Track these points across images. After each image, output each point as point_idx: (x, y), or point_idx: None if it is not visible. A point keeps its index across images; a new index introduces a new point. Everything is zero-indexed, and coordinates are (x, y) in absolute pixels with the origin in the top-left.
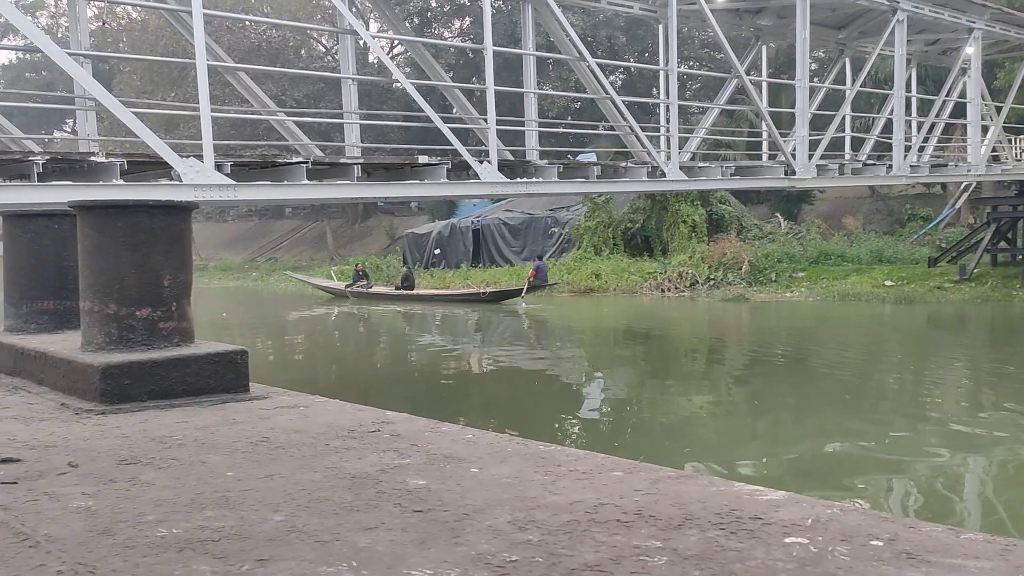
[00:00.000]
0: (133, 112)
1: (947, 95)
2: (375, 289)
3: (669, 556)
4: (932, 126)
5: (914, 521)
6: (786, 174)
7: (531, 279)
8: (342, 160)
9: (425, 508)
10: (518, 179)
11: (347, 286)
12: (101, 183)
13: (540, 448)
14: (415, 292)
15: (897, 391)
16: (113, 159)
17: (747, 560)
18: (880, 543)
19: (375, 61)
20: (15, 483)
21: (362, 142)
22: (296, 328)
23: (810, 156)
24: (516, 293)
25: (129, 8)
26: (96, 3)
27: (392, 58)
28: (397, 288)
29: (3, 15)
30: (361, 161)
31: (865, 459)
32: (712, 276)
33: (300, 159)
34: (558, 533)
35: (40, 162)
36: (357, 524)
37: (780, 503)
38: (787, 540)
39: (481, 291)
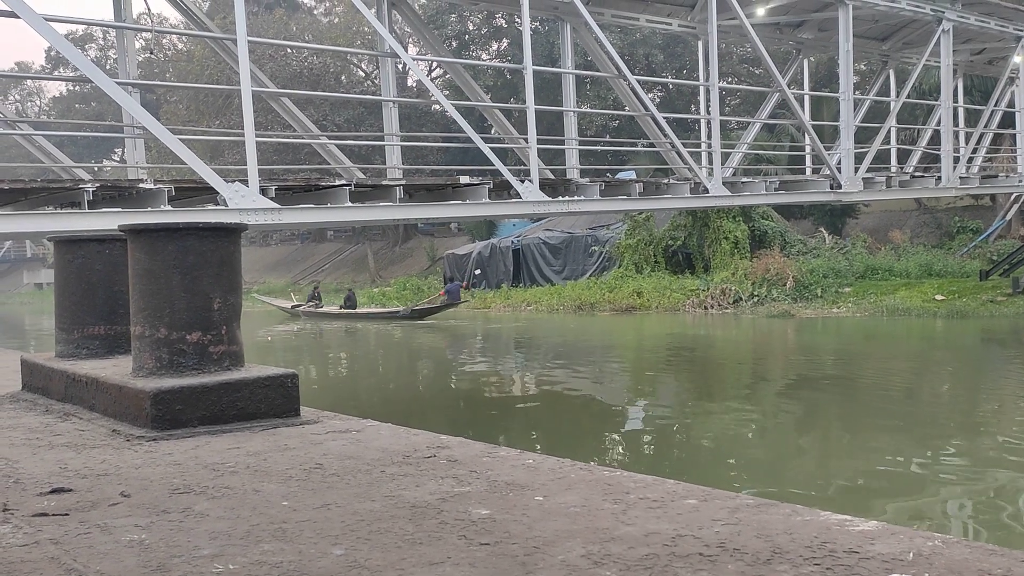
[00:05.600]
0: (180, 139)
1: (995, 105)
2: (323, 309)
3: None
4: (980, 137)
5: None
6: (832, 188)
7: (442, 298)
8: (384, 182)
9: (492, 540)
10: (560, 197)
11: (293, 306)
12: (149, 209)
13: (605, 474)
14: (355, 311)
15: (952, 409)
16: (161, 185)
17: None
18: None
19: (413, 85)
20: (66, 515)
21: (403, 164)
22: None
23: (856, 169)
24: (432, 311)
25: (175, 39)
26: (143, 35)
27: (431, 81)
28: (341, 308)
29: (56, 48)
30: (403, 182)
31: (922, 481)
32: (756, 292)
33: (343, 182)
34: (637, 568)
35: (90, 190)
36: (422, 558)
37: (875, 535)
38: None
39: (402, 310)
